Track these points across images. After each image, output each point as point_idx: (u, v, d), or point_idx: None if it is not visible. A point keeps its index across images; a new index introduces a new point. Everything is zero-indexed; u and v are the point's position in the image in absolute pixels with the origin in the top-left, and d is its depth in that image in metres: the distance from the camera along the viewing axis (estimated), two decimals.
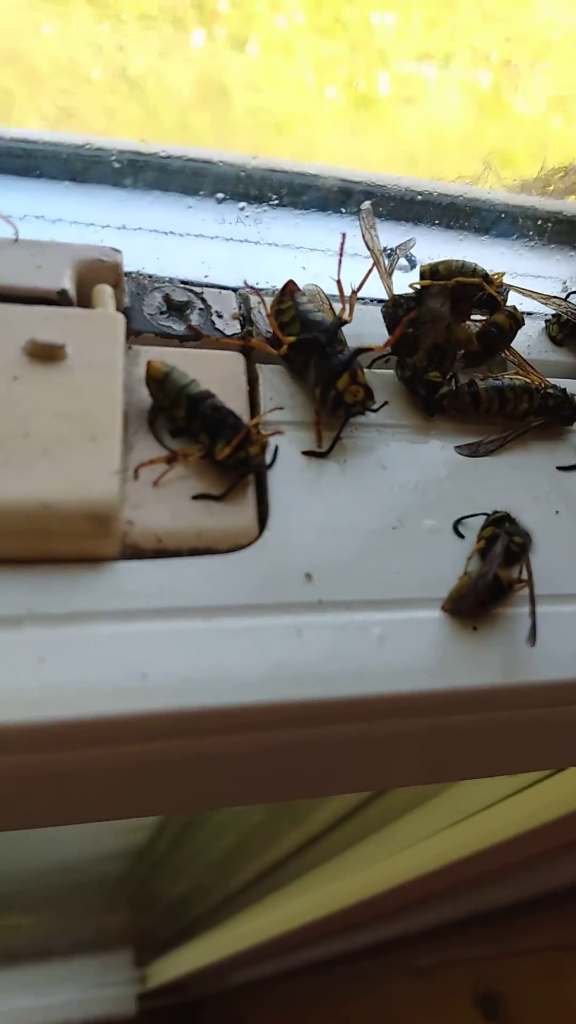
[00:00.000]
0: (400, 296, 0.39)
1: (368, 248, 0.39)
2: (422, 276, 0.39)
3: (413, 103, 0.56)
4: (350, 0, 0.55)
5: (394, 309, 0.38)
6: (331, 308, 0.40)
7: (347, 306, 0.38)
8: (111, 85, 0.48)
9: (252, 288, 0.39)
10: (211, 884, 1.41)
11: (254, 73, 0.53)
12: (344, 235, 0.36)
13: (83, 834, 1.56)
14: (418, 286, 0.39)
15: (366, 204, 0.39)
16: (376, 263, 0.39)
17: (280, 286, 0.39)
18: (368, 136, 0.56)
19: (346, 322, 0.37)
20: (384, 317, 0.39)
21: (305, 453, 0.37)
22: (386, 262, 0.40)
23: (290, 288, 0.38)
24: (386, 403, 0.38)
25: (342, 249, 0.36)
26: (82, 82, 0.48)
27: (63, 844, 1.52)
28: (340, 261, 0.36)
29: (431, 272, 0.39)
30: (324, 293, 0.40)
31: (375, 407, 0.37)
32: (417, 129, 0.57)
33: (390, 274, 0.41)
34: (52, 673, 0.29)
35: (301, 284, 0.40)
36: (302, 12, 0.55)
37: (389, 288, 0.39)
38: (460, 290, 0.38)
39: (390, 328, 0.39)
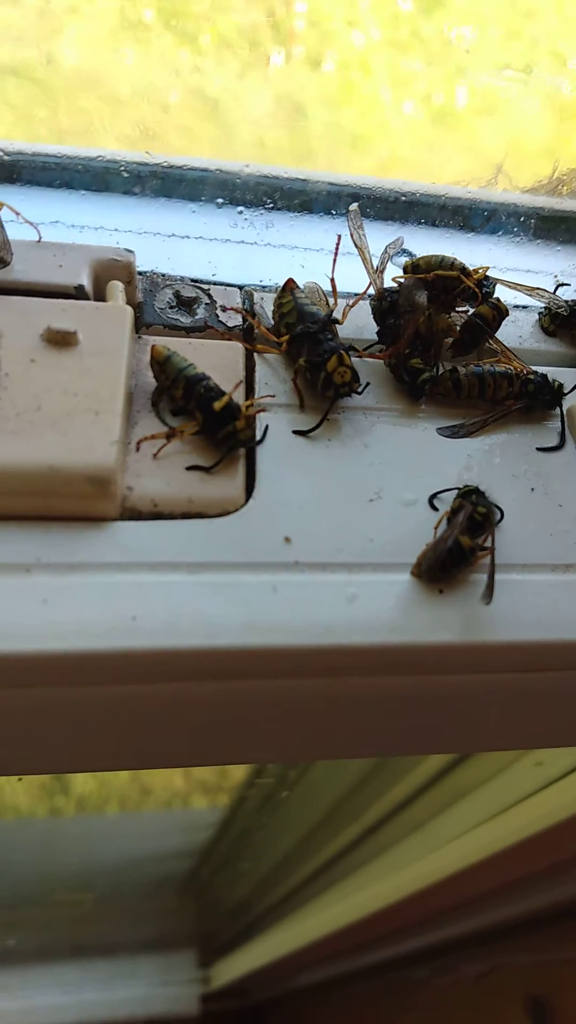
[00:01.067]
0: (385, 290, 0.42)
1: (356, 246, 0.42)
2: (404, 271, 0.43)
3: (493, 115, 0.57)
4: (427, 14, 0.56)
5: (379, 302, 0.42)
6: (327, 304, 0.44)
7: (342, 306, 0.42)
8: (190, 106, 0.51)
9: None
10: (270, 884, 1.43)
11: (331, 90, 0.55)
12: (340, 236, 0.39)
13: (148, 831, 1.62)
14: (401, 280, 0.42)
15: (354, 206, 0.43)
16: (363, 260, 0.42)
17: (279, 284, 0.43)
18: (447, 149, 0.58)
19: (337, 320, 0.41)
20: (372, 310, 0.43)
21: (296, 432, 0.40)
22: (375, 260, 0.43)
23: (290, 285, 0.42)
24: (368, 384, 0.41)
25: (337, 250, 0.40)
26: (161, 104, 0.51)
27: (129, 840, 1.58)
28: (335, 261, 0.40)
29: (412, 267, 0.42)
30: (322, 290, 0.44)
31: (360, 389, 0.40)
32: (497, 141, 0.58)
33: (382, 270, 0.44)
34: (53, 613, 0.33)
35: (301, 281, 0.44)
36: (379, 28, 0.56)
37: (375, 283, 0.42)
38: (439, 283, 0.42)
39: (377, 320, 0.43)
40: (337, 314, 0.42)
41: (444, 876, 1.03)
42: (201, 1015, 1.80)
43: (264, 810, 1.26)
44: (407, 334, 0.40)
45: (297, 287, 0.43)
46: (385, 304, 0.42)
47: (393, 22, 0.57)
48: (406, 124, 0.58)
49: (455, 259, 0.42)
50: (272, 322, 0.43)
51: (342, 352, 0.39)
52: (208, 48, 0.52)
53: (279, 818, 1.24)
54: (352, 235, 0.43)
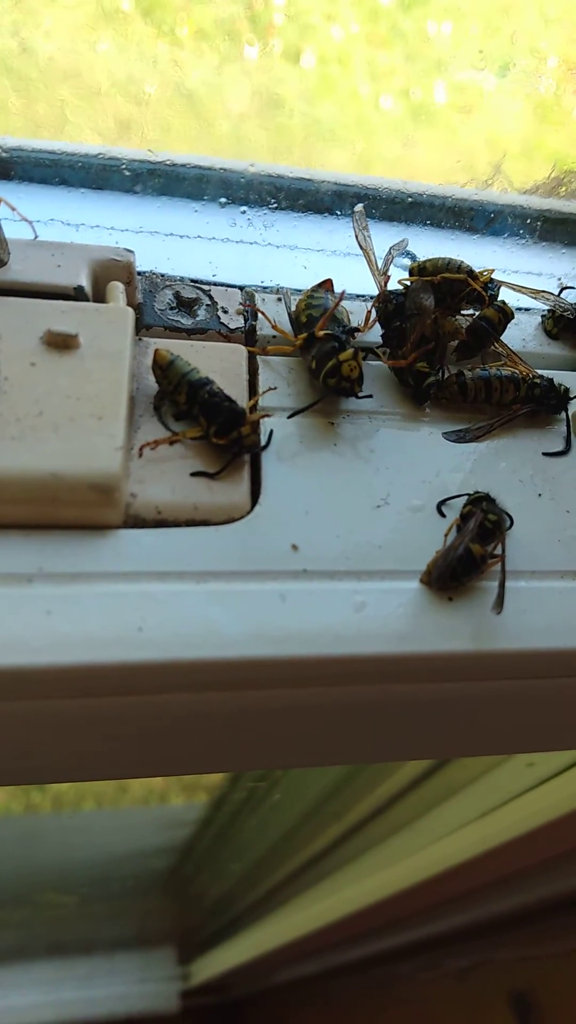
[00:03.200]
0: (390, 292, 0.42)
1: (361, 248, 0.42)
2: (410, 273, 0.42)
3: (471, 111, 0.56)
4: (406, 10, 0.55)
5: (384, 305, 0.41)
6: (348, 318, 0.43)
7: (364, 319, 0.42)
8: (167, 99, 0.50)
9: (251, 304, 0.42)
10: (251, 881, 1.43)
11: (309, 84, 0.54)
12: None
13: (128, 828, 1.61)
14: (407, 282, 0.41)
15: (359, 207, 0.42)
16: (368, 262, 0.42)
17: (280, 285, 0.42)
18: (424, 146, 0.56)
19: (358, 330, 0.41)
20: (376, 312, 0.42)
21: (290, 416, 0.40)
22: (380, 261, 0.43)
23: (327, 285, 0.42)
24: (371, 396, 0.41)
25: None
26: (138, 97, 0.49)
27: (109, 837, 1.57)
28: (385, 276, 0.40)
29: (419, 269, 0.42)
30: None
31: (361, 393, 0.40)
32: (475, 138, 0.57)
33: (385, 272, 0.43)
34: (57, 624, 0.32)
35: (303, 283, 0.43)
36: (357, 23, 0.55)
37: (380, 285, 0.42)
38: (446, 285, 0.41)
39: (381, 322, 0.42)
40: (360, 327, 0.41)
41: (431, 874, 1.04)
42: (181, 1012, 1.80)
43: (246, 807, 1.25)
44: (414, 338, 0.40)
45: (332, 289, 0.42)
46: (390, 307, 0.41)
47: (372, 17, 0.57)
48: (384, 120, 0.57)
49: (461, 262, 0.42)
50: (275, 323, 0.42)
51: (359, 350, 0.38)
52: (186, 40, 0.51)
53: (261, 815, 1.24)
54: (357, 236, 0.42)
